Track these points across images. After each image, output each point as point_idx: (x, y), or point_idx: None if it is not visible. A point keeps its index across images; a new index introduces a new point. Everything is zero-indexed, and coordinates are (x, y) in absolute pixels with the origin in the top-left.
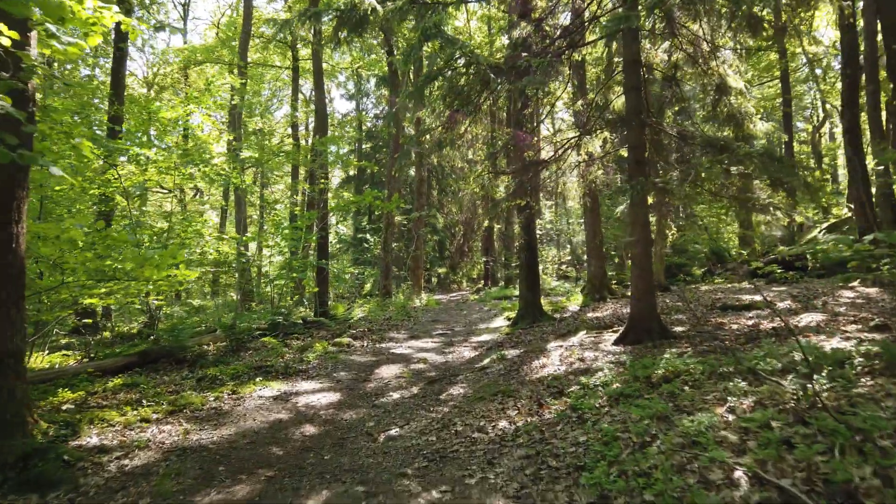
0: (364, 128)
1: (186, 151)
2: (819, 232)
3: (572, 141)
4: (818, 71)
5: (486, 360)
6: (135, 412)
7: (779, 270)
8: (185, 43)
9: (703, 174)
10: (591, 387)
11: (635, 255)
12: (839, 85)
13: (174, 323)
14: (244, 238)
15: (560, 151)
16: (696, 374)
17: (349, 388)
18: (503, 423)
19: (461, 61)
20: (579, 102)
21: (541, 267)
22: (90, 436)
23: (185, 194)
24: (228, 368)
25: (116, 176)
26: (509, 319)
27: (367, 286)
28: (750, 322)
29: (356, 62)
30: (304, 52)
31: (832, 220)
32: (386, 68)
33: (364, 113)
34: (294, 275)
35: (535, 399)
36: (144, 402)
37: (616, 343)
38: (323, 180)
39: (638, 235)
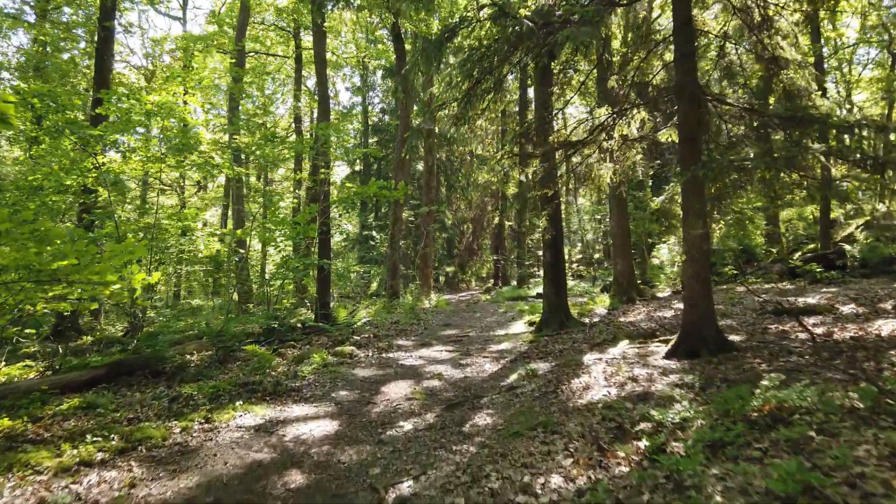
0: (370, 122)
1: (171, 137)
2: (856, 229)
3: (607, 122)
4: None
5: (513, 377)
6: (75, 451)
7: (818, 269)
8: (183, 31)
9: (787, 152)
10: (666, 425)
11: (691, 251)
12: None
13: (155, 329)
14: (238, 233)
15: (594, 132)
16: (819, 413)
17: (349, 413)
18: (556, 479)
19: (486, 15)
20: (613, 78)
21: None
22: (1, 492)
23: (186, 190)
24: (208, 385)
25: (96, 164)
26: (531, 324)
27: (374, 285)
28: (818, 330)
29: (362, 52)
30: (308, 40)
31: (868, 217)
32: (393, 57)
33: (370, 108)
34: (292, 274)
35: (592, 440)
36: (89, 437)
37: (669, 356)
38: (324, 170)
39: (694, 228)
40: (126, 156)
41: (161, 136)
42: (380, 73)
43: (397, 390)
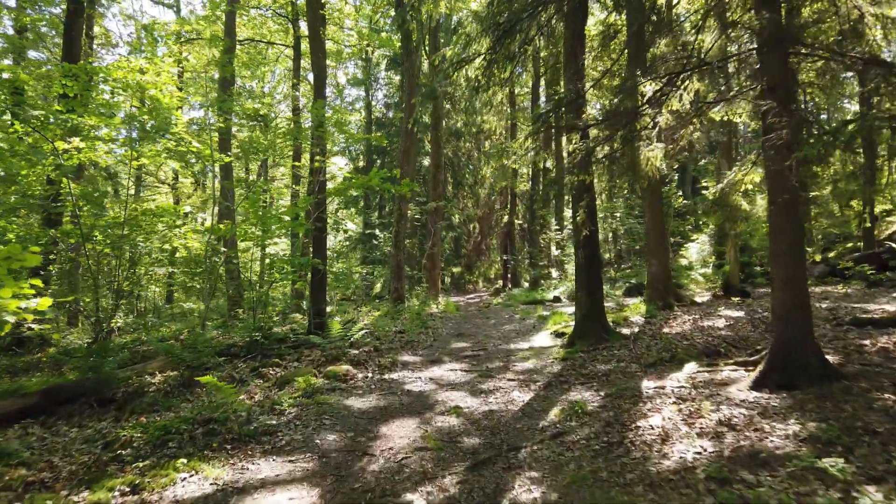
0: (373, 117)
1: (137, 117)
2: None
3: (656, 94)
4: None
5: (554, 413)
6: None
7: (870, 271)
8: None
9: None
10: None
11: (780, 249)
12: None
13: (115, 344)
14: (220, 228)
15: (641, 106)
16: None
17: (337, 473)
18: None
19: None
20: (662, 42)
21: (568, 267)
22: None
23: (179, 187)
24: (156, 424)
25: (53, 151)
26: (558, 335)
27: (377, 287)
28: None
29: (364, 39)
30: (307, 28)
31: None
32: (397, 45)
33: (374, 104)
34: (278, 276)
35: None
36: None
37: (757, 387)
38: (319, 157)
39: (783, 220)
40: (87, 138)
41: (126, 115)
42: (383, 64)
43: (402, 433)
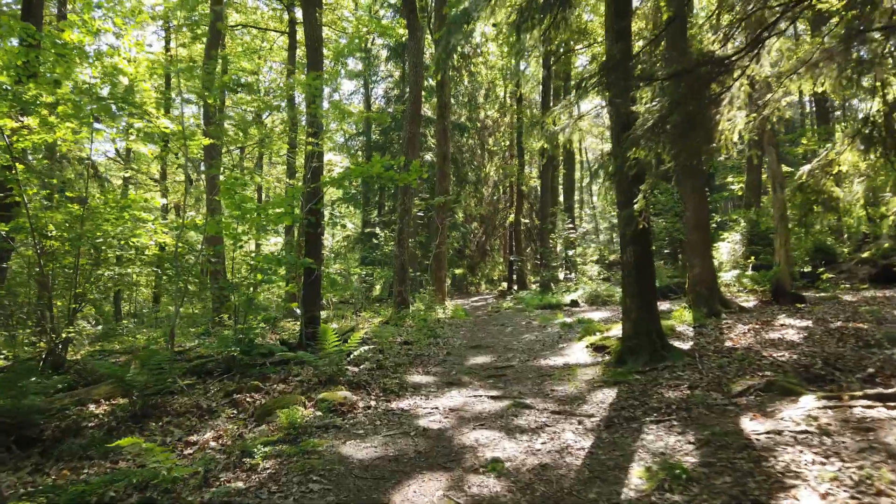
0: (373, 111)
1: (91, 88)
2: None
3: (756, 38)
4: None
5: (637, 475)
6: None
7: None
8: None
9: None
10: None
11: None
12: None
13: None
14: (191, 222)
15: (727, 60)
16: None
17: None
18: None
19: None
20: None
21: (584, 268)
22: None
23: (168, 185)
24: (71, 491)
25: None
26: (597, 349)
27: (377, 289)
28: None
29: (364, 25)
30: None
31: None
32: (399, 32)
33: (374, 100)
34: (260, 277)
35: None
36: None
37: None
38: (312, 140)
39: None
40: (39, 114)
41: (77, 85)
42: (383, 56)
43: None
